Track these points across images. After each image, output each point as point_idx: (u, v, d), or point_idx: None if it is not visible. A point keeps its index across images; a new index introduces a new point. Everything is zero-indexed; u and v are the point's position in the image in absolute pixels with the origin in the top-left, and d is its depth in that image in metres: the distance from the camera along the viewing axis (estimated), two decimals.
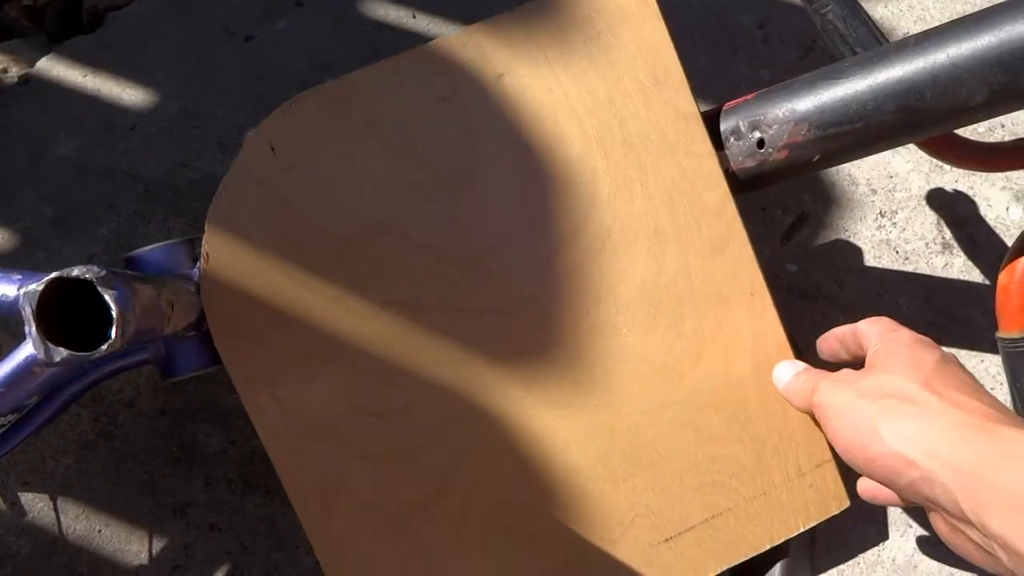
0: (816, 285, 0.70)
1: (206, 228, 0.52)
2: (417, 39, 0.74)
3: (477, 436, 0.53)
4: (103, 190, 0.69)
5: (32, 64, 0.75)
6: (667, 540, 0.54)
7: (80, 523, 0.62)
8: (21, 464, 0.63)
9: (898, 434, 0.43)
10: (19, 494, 0.62)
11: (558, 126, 0.54)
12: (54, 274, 0.33)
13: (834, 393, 0.48)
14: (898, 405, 0.44)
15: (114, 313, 0.33)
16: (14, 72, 0.77)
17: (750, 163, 0.55)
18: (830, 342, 0.55)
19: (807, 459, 0.55)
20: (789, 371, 0.54)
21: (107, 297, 0.33)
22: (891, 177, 0.72)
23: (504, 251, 0.54)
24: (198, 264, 0.54)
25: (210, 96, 0.71)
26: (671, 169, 0.54)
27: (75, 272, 0.33)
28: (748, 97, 0.56)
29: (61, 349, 0.33)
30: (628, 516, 0.54)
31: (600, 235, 0.54)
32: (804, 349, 0.69)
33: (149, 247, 0.53)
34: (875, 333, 0.51)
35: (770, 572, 0.61)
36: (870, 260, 0.71)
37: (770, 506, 0.55)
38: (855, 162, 0.73)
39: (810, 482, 0.55)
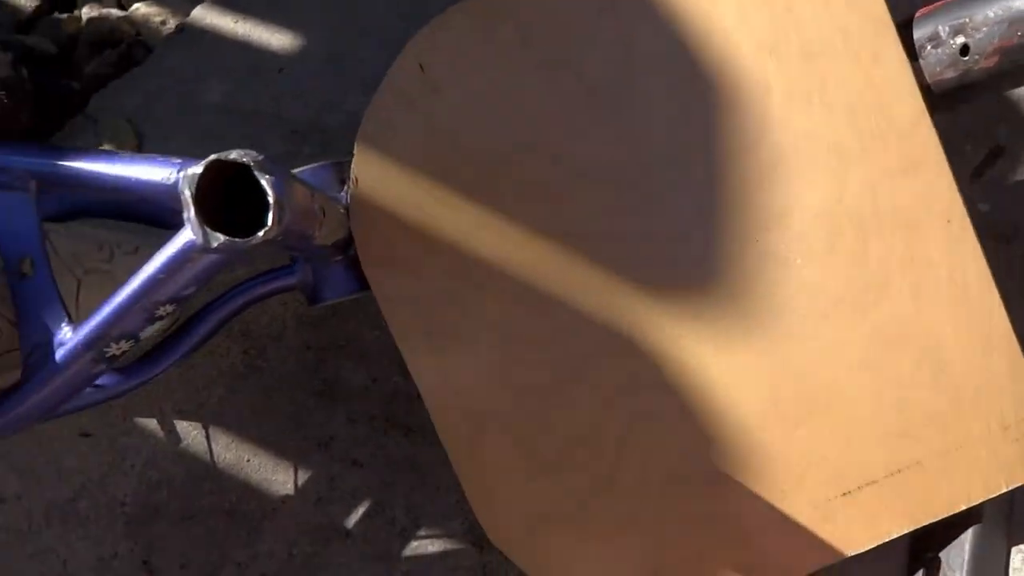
0: (1014, 225, 0.62)
1: (355, 150, 0.50)
2: None
3: (632, 372, 0.49)
4: (251, 131, 0.70)
5: (187, 14, 0.77)
6: (845, 494, 0.49)
7: (230, 452, 0.63)
8: (177, 393, 0.64)
9: None
10: (175, 422, 0.64)
11: (726, 34, 0.49)
12: (213, 156, 0.32)
13: None
14: None
15: (270, 197, 0.32)
16: (171, 23, 0.80)
17: (950, 74, 0.49)
18: None
19: (1013, 410, 0.49)
20: None
21: (263, 181, 0.32)
22: None
23: (663, 173, 0.49)
24: (346, 187, 0.53)
25: (355, 38, 0.71)
26: (856, 80, 0.48)
27: (233, 155, 0.32)
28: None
29: (219, 234, 0.32)
30: (801, 465, 0.49)
31: (772, 155, 0.49)
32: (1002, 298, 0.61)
33: (298, 168, 0.53)
34: None
35: (958, 539, 0.54)
36: None
37: (966, 461, 0.48)
38: None
39: (1015, 436, 0.49)
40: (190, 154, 0.70)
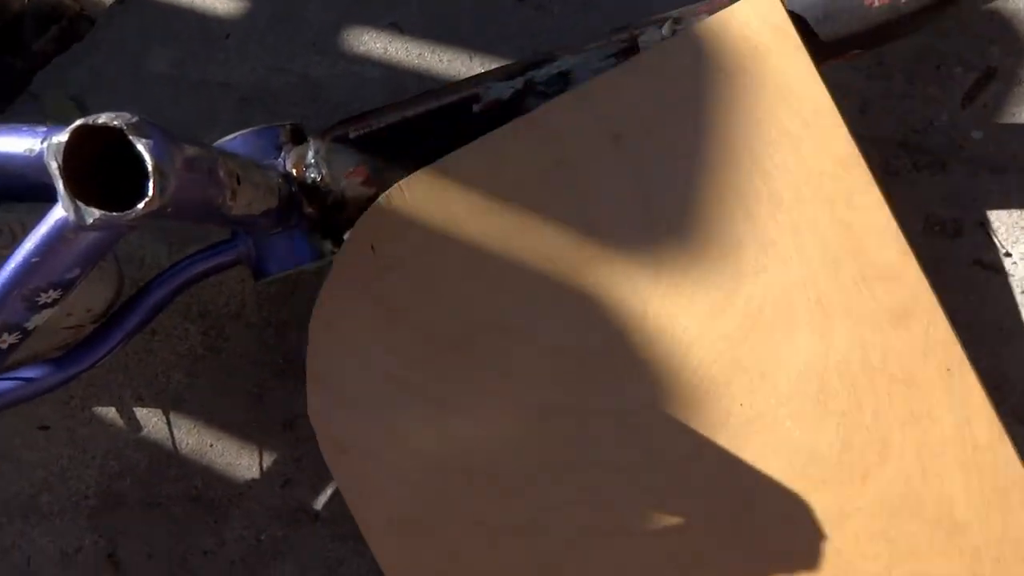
0: (1010, 155, 0.58)
1: (309, 336, 0.48)
2: None
3: (619, 554, 0.47)
4: (201, 102, 0.67)
5: None
6: None
7: (192, 437, 0.61)
8: (135, 379, 0.62)
9: None
10: (135, 409, 0.61)
11: (689, 188, 0.46)
12: (79, 121, 0.28)
13: None
14: None
15: (148, 164, 0.28)
16: None
17: None
18: None
19: None
20: None
21: (140, 146, 0.28)
22: None
23: (635, 340, 0.46)
24: (283, 153, 0.50)
25: None
26: (832, 226, 0.45)
27: (103, 118, 0.28)
28: None
29: (93, 209, 0.28)
30: None
31: (749, 313, 0.46)
32: (981, 231, 0.57)
33: (230, 136, 0.49)
34: None
35: None
36: None
37: None
38: None
39: None
40: None
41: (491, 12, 0.64)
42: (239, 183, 0.36)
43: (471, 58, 0.65)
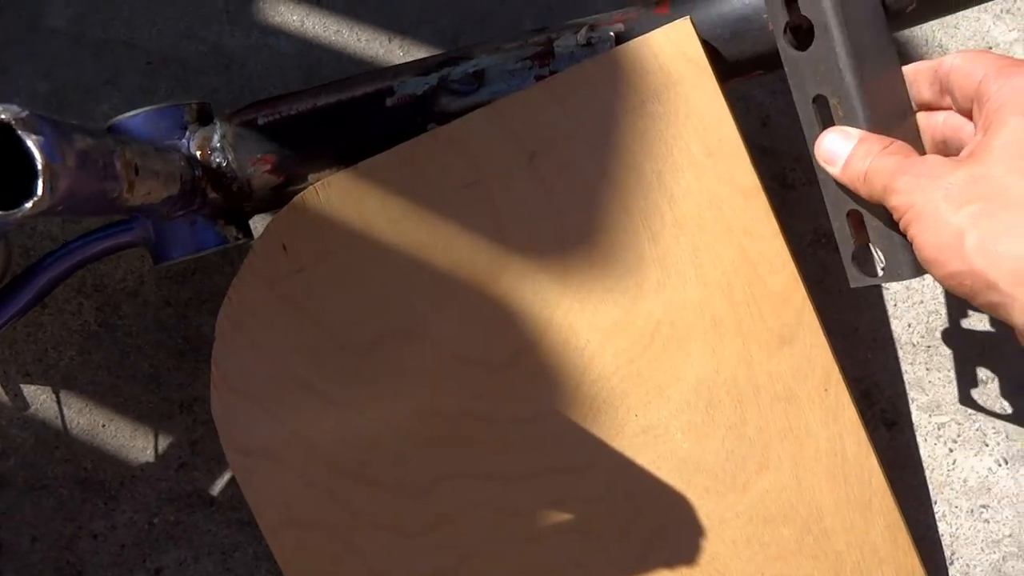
0: None
1: (216, 335, 0.48)
2: None
3: (518, 559, 0.49)
4: (102, 63, 0.63)
5: None
6: None
7: (83, 417, 0.59)
8: (23, 354, 0.59)
9: (985, 250, 0.35)
10: (21, 386, 0.59)
11: (598, 208, 0.48)
12: None
13: (916, 193, 0.37)
14: (992, 211, 0.35)
15: (38, 162, 0.27)
16: None
17: None
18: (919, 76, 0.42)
19: None
20: (844, 147, 0.40)
21: (30, 143, 0.27)
22: (991, 48, 0.62)
23: (539, 351, 0.48)
24: (187, 133, 0.48)
25: None
26: (729, 251, 0.48)
27: None
28: None
29: None
30: None
31: (648, 329, 0.48)
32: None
33: (132, 113, 0.47)
34: (982, 78, 0.38)
35: None
36: None
37: None
38: (949, 29, 0.62)
39: None
40: (35, 87, 0.63)
41: None
42: (137, 174, 0.35)
43: (390, 39, 0.64)
